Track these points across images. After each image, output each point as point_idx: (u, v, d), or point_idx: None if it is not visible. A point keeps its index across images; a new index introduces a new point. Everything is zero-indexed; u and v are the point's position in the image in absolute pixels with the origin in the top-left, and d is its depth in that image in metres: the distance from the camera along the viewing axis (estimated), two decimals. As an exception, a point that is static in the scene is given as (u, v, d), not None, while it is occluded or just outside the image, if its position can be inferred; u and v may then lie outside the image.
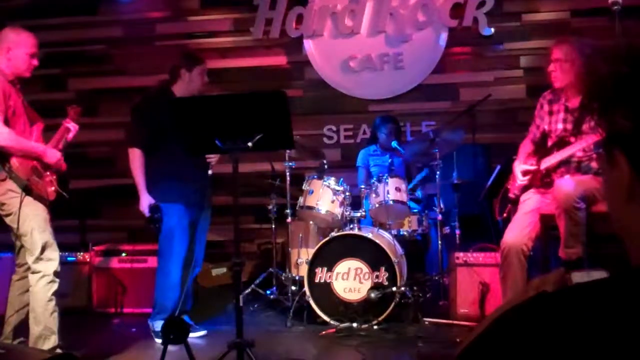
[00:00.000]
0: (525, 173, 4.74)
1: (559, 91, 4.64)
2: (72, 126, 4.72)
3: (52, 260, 4.39)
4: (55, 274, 4.40)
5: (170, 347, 3.79)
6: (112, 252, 6.24)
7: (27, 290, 4.45)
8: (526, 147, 4.91)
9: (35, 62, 4.55)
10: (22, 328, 4.46)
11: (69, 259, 6.20)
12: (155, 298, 5.19)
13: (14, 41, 4.48)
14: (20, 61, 4.47)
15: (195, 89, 5.21)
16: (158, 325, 5.05)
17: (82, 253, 6.24)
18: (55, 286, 4.39)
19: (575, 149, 4.49)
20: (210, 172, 5.10)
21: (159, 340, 4.99)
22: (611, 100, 0.98)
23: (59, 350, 4.33)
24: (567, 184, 4.36)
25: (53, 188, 4.49)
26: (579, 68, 4.40)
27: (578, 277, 1.12)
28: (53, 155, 4.50)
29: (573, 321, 0.84)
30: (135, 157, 5.12)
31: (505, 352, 0.87)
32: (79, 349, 4.75)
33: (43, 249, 4.35)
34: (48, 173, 4.48)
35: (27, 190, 4.30)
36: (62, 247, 6.41)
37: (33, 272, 4.36)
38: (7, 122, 4.25)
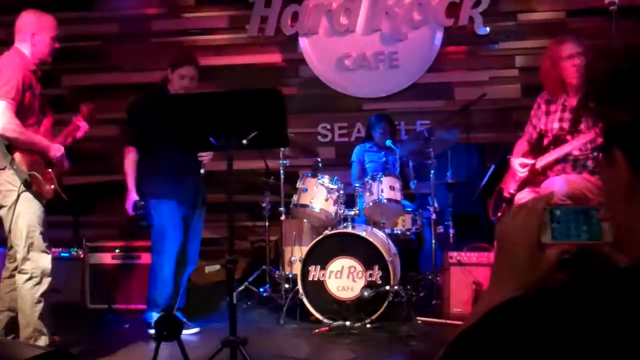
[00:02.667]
0: (523, 165, 4.74)
1: (557, 90, 4.62)
2: (82, 124, 4.70)
3: (40, 261, 4.32)
4: (44, 273, 4.33)
5: (163, 344, 3.78)
6: (105, 249, 6.23)
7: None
8: (521, 146, 4.91)
9: (56, 44, 4.55)
10: (15, 324, 4.44)
11: (62, 254, 6.21)
12: (148, 294, 5.19)
13: (37, 25, 4.47)
14: (44, 45, 4.46)
15: (176, 90, 5.15)
16: (150, 317, 5.06)
17: (75, 249, 6.24)
18: (43, 288, 4.32)
19: (572, 146, 4.49)
20: (202, 170, 5.09)
21: (152, 331, 4.99)
22: (610, 96, 0.98)
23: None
24: (553, 184, 4.36)
25: (52, 186, 4.44)
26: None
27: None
28: (57, 150, 4.48)
29: (566, 318, 0.85)
30: (128, 156, 5.16)
31: (497, 343, 0.87)
32: (72, 346, 4.74)
33: (30, 249, 4.29)
34: (50, 170, 4.44)
35: (27, 184, 4.24)
36: (55, 243, 6.43)
37: (20, 272, 4.31)
38: (17, 113, 4.22)
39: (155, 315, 5.03)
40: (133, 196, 5.09)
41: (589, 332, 0.83)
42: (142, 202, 5.03)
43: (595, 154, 4.39)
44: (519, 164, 4.77)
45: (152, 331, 5.00)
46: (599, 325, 0.83)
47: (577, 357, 0.82)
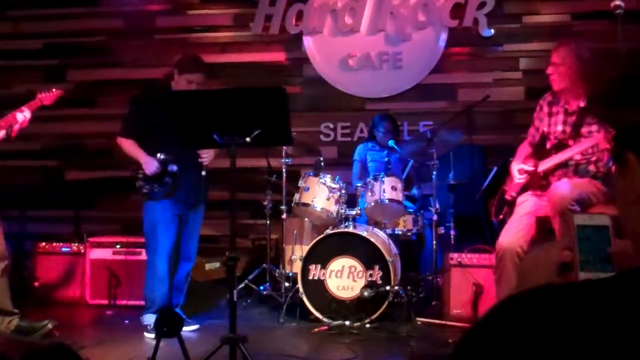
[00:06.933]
0: (521, 172, 4.75)
1: (559, 93, 4.64)
2: (23, 115, 4.69)
3: None
4: None
5: (162, 340, 3.78)
6: (106, 244, 6.24)
7: None
8: (524, 149, 4.92)
9: None
10: None
11: (63, 249, 6.21)
12: (144, 293, 5.19)
13: None
14: None
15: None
16: (147, 319, 5.05)
17: (76, 244, 6.25)
18: None
19: (573, 152, 4.49)
20: (203, 172, 5.07)
21: (148, 335, 4.99)
22: (619, 100, 1.00)
23: None
24: (562, 187, 4.37)
25: None
26: (575, 72, 4.41)
27: (580, 219, 1.15)
28: None
29: (575, 317, 0.85)
30: (129, 142, 5.12)
31: (504, 340, 0.87)
32: (72, 341, 4.74)
33: None
34: None
35: None
36: (56, 237, 6.46)
37: None
38: None
39: (151, 317, 5.02)
40: (152, 159, 5.02)
41: (595, 331, 0.83)
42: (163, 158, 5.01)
43: (610, 164, 4.40)
44: (518, 170, 4.78)
45: (147, 335, 5.01)
46: (604, 324, 0.83)
47: (583, 356, 0.82)
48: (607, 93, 1.14)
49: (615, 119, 1.05)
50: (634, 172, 0.96)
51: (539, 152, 4.79)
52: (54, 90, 5.00)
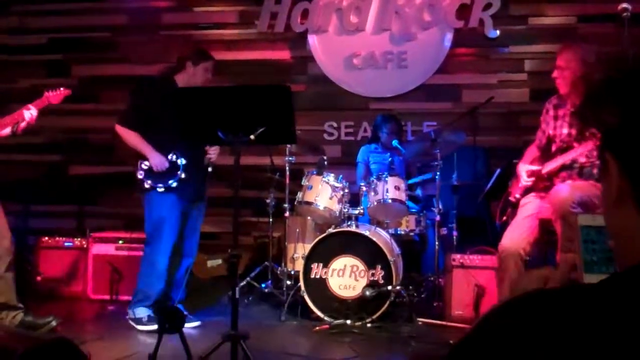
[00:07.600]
0: (530, 174, 4.74)
1: (565, 96, 4.64)
2: (30, 113, 4.71)
3: None
4: None
5: (164, 336, 3.78)
6: (109, 239, 6.25)
7: None
8: (531, 152, 4.92)
9: None
10: None
11: (66, 244, 6.22)
12: (137, 285, 5.14)
13: None
14: None
15: (196, 83, 5.15)
16: (139, 312, 5.03)
17: (79, 239, 6.25)
18: None
19: (577, 153, 4.50)
20: (210, 169, 5.07)
21: (139, 327, 4.98)
22: (601, 101, 1.01)
23: None
24: (563, 189, 4.37)
25: None
26: (579, 76, 4.40)
27: (584, 219, 1.16)
28: None
29: (560, 322, 0.85)
30: (132, 133, 5.09)
31: (494, 348, 0.88)
32: (74, 335, 4.75)
33: None
34: None
35: None
36: (59, 232, 6.47)
37: None
38: None
39: (143, 310, 5.01)
40: (159, 155, 5.03)
41: (591, 334, 0.83)
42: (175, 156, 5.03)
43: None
44: (526, 172, 4.77)
45: (140, 327, 5.00)
46: (599, 327, 0.84)
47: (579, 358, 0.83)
48: (590, 95, 1.16)
49: (597, 121, 1.07)
50: (612, 173, 0.98)
51: (546, 155, 4.79)
52: (61, 89, 5.01)
